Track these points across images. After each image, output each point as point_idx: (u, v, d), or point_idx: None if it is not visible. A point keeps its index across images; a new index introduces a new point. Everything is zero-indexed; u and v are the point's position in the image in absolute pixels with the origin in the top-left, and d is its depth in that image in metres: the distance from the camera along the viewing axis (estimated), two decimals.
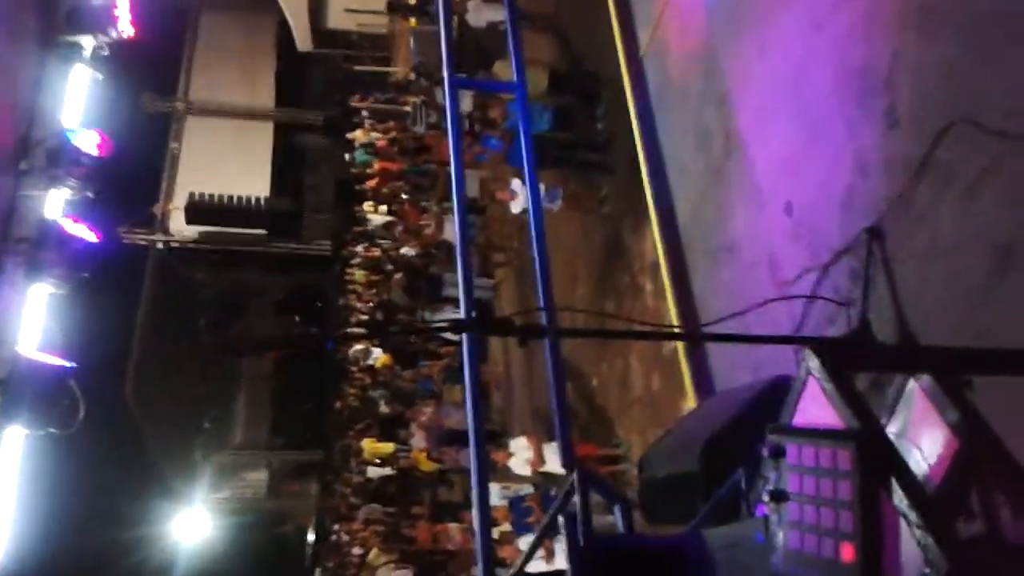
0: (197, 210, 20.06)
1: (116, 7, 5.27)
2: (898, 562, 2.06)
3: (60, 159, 5.31)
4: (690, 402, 6.74)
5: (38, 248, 5.71)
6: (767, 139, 4.35)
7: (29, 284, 6.03)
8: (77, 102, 5.19)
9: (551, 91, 10.52)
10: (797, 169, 4.05)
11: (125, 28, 5.33)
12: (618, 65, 7.28)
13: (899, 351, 3.31)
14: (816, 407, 2.40)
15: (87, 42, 5.27)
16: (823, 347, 2.40)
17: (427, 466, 16.43)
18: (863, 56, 3.44)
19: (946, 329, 3.42)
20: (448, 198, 10.77)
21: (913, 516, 1.98)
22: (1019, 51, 2.97)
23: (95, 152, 5.31)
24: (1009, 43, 2.99)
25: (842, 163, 3.63)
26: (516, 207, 10.88)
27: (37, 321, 6.36)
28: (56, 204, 5.75)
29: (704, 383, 6.50)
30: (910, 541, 1.99)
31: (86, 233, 5.84)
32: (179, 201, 20.26)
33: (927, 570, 1.93)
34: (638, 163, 6.81)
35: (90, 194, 5.67)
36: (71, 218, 5.73)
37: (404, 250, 16.34)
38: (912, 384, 2.44)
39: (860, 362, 2.55)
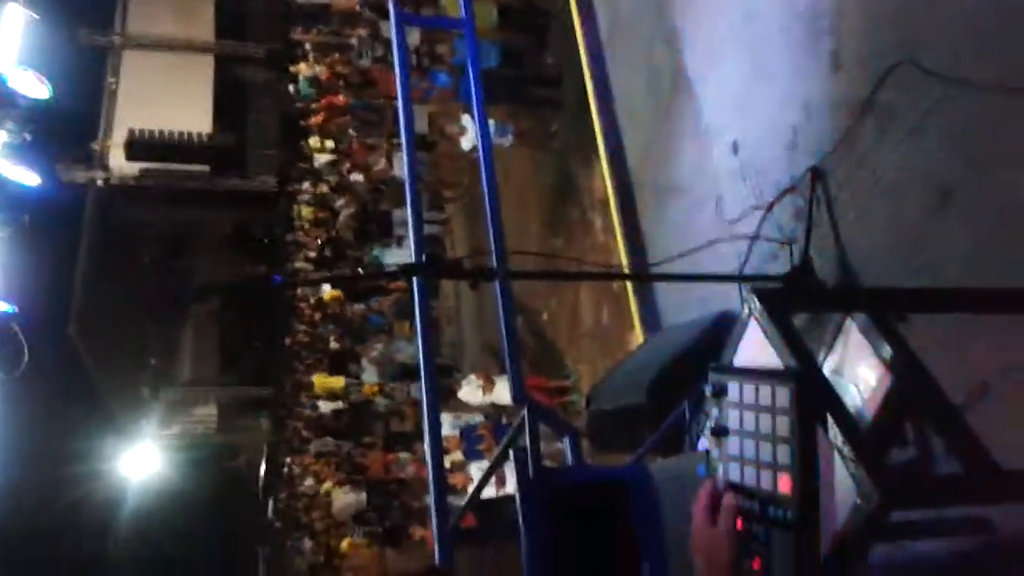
0: (137, 147, 19.47)
1: None
2: (833, 493, 2.16)
3: None
4: (638, 335, 6.87)
5: None
6: (715, 78, 4.35)
7: None
8: (11, 43, 4.92)
9: (501, 25, 10.38)
10: (744, 109, 4.08)
11: None
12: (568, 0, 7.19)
13: (836, 291, 3.41)
14: (757, 346, 2.47)
15: None
16: (764, 291, 2.47)
17: (370, 390, 16.58)
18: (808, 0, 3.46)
19: (885, 266, 3.51)
20: (397, 134, 10.58)
21: (847, 450, 2.07)
22: None
23: (31, 93, 5.07)
24: None
25: (788, 104, 3.67)
26: (466, 143, 10.80)
27: None
28: None
29: (651, 317, 6.62)
30: (844, 474, 2.08)
31: (25, 175, 5.66)
32: (118, 138, 19.63)
33: (859, 501, 2.03)
34: (588, 100, 6.78)
35: (27, 136, 5.44)
36: (9, 161, 5.53)
37: (353, 177, 16.08)
38: (849, 322, 2.52)
39: (799, 303, 2.63)
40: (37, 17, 5.06)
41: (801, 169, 3.74)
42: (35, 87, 5.13)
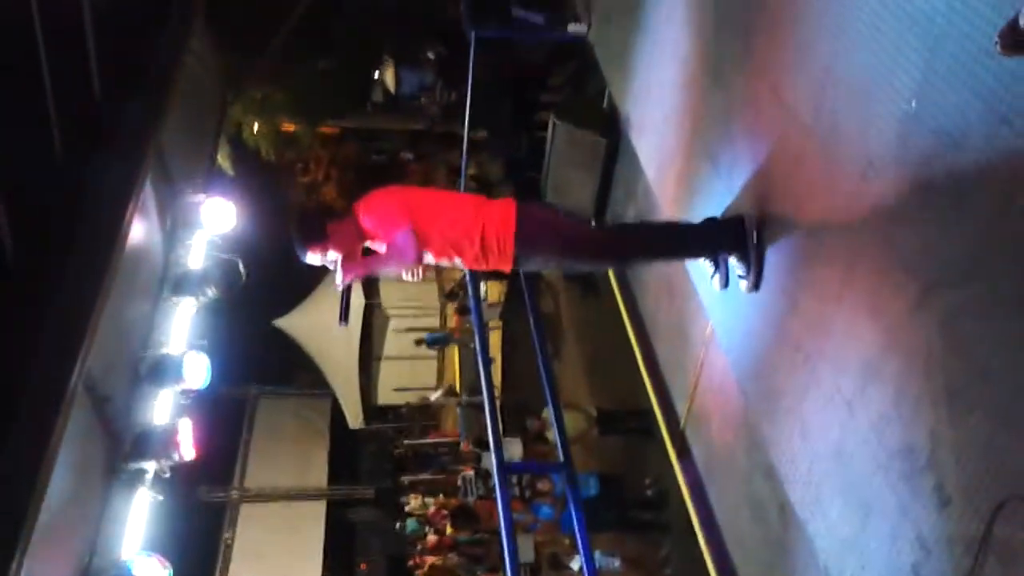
0: None
1: (179, 433, 5.41)
2: None
3: None
4: None
5: None
6: (823, 515, 4.14)
7: None
8: (137, 528, 5.15)
9: (602, 430, 10.91)
10: (859, 546, 3.81)
11: (187, 452, 5.44)
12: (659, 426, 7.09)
13: None
14: None
15: (149, 466, 5.38)
16: None
17: None
18: (901, 435, 3.44)
19: None
20: (502, 567, 10.05)
21: None
22: None
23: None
24: None
25: (902, 540, 3.47)
26: None
27: None
28: None
29: None
30: None
31: None
32: None
33: None
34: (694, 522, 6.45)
35: None
36: None
37: None
38: None
39: None
40: (161, 498, 5.39)
41: None
42: (158, 572, 5.42)
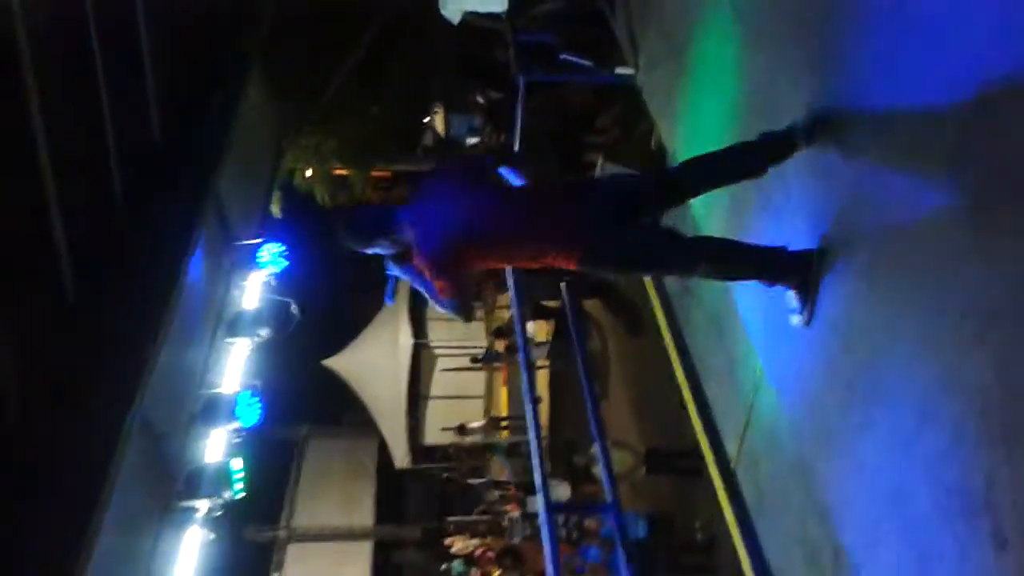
0: None
1: (230, 472, 5.52)
2: None
3: None
4: None
5: None
6: (879, 559, 4.02)
7: None
8: (188, 565, 5.22)
9: (649, 469, 10.87)
10: None
11: (237, 490, 5.55)
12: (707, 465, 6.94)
13: None
14: None
15: (201, 504, 5.44)
16: None
17: None
18: (958, 477, 3.37)
19: None
20: None
21: None
22: None
23: None
24: None
25: None
26: None
27: None
28: None
29: None
30: None
31: None
32: None
33: None
34: (744, 567, 6.14)
35: None
36: None
37: None
38: None
39: None
40: (213, 536, 5.42)
41: None
42: None
